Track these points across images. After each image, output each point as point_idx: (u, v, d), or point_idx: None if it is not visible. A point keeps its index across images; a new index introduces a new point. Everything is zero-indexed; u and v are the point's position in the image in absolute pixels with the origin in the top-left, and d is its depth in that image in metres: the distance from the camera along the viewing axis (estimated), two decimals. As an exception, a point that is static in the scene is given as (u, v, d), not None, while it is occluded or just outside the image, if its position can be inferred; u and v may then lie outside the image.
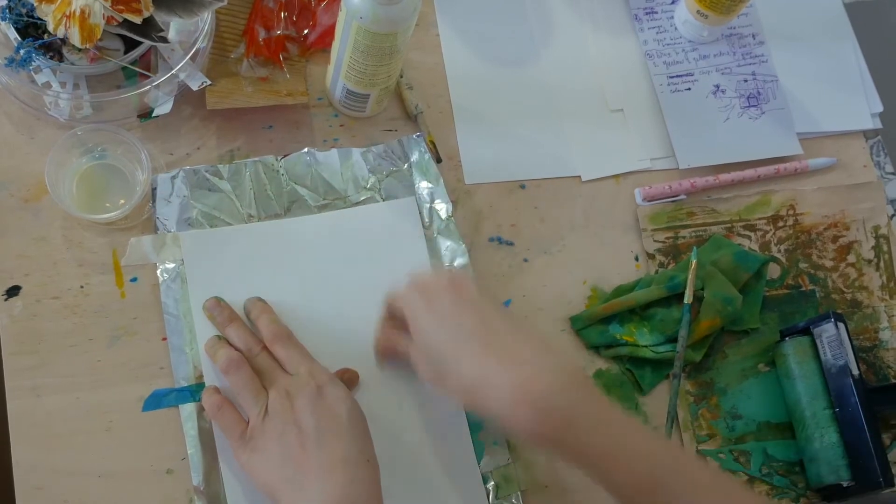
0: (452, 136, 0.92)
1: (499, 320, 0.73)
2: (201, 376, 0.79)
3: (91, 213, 0.82)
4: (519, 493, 0.80)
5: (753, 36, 1.00)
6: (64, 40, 0.82)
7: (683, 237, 0.92)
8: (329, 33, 0.90)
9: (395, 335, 0.79)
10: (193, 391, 0.79)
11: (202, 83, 0.85)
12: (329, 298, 0.84)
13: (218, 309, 0.80)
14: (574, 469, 0.70)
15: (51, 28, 0.80)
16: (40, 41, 0.82)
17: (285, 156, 0.87)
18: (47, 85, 0.84)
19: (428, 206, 0.87)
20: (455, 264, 0.86)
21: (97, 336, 0.80)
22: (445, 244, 0.87)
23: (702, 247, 0.91)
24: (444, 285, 0.75)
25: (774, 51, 1.00)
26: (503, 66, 0.96)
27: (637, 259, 0.91)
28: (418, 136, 0.89)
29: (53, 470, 0.76)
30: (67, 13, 0.79)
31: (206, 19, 0.85)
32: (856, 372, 0.83)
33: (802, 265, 0.93)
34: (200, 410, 0.78)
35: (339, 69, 0.85)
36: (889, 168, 0.98)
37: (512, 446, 0.82)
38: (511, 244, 0.89)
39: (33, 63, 0.82)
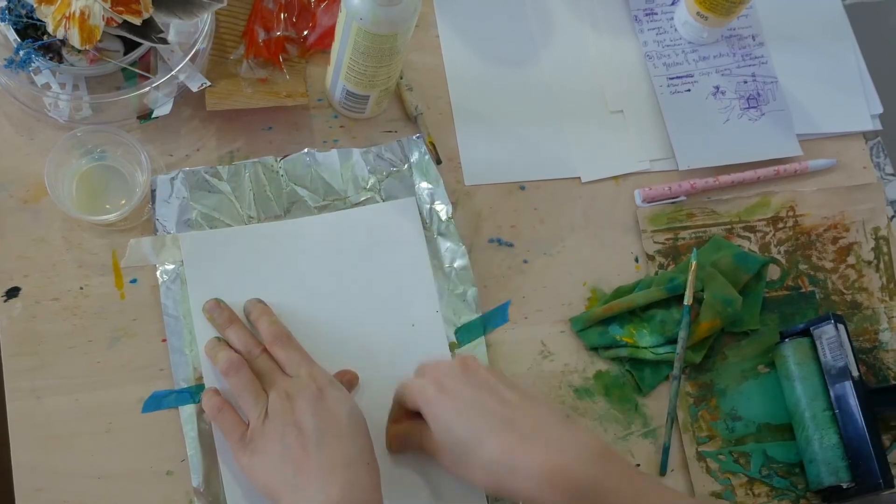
0: (452, 138, 0.92)
1: (514, 397, 0.73)
2: (201, 378, 0.79)
3: (91, 215, 0.82)
4: (519, 494, 0.80)
5: (753, 37, 1.00)
6: (63, 41, 0.82)
7: (683, 238, 0.92)
8: (329, 34, 0.90)
9: (408, 426, 0.77)
10: (193, 393, 0.79)
11: (202, 84, 0.85)
12: (329, 299, 0.84)
13: (218, 310, 0.80)
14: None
15: (50, 29, 0.80)
16: (40, 42, 0.82)
17: (285, 157, 0.87)
18: (47, 86, 0.84)
19: (428, 206, 0.87)
20: (455, 265, 0.86)
21: (97, 337, 0.80)
22: (445, 245, 0.87)
23: (702, 248, 0.91)
24: (454, 369, 0.75)
25: (774, 52, 1.00)
26: (503, 67, 0.96)
27: (637, 260, 0.91)
28: (418, 138, 0.89)
29: (53, 471, 0.76)
30: (67, 14, 0.79)
31: (205, 20, 0.85)
32: (856, 373, 0.83)
33: (802, 266, 0.93)
34: (200, 412, 0.78)
35: (338, 70, 0.85)
36: (889, 169, 0.98)
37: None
38: (511, 245, 0.89)
39: (33, 64, 0.82)
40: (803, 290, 0.92)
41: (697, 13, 0.96)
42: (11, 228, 0.82)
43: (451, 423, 0.72)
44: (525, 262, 0.89)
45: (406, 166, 0.89)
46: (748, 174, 0.94)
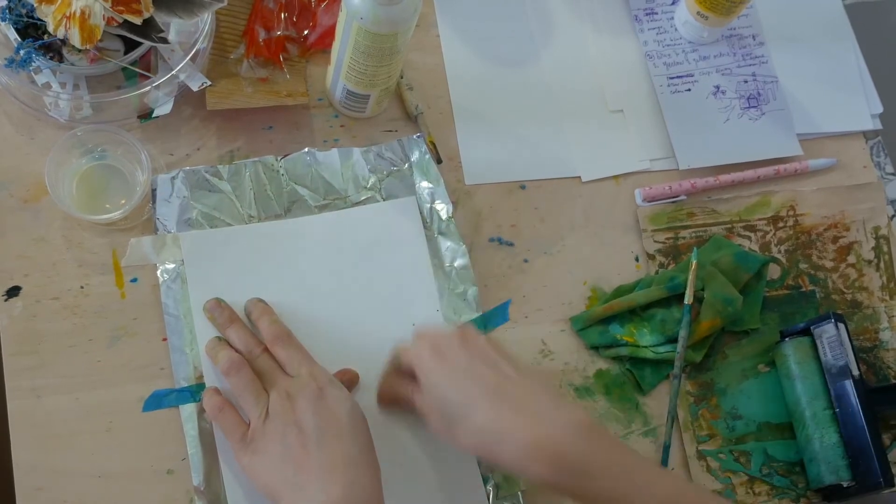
0: (452, 137, 0.92)
1: (510, 369, 0.73)
2: (201, 377, 0.79)
3: (91, 214, 0.82)
4: (519, 493, 0.80)
5: (753, 37, 1.00)
6: (64, 41, 0.82)
7: (683, 238, 0.92)
8: (329, 34, 0.90)
9: (400, 384, 0.78)
10: (194, 392, 0.79)
11: (202, 84, 0.85)
12: (330, 298, 0.84)
13: (218, 310, 0.80)
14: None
15: (51, 29, 0.80)
16: (40, 42, 0.82)
17: (285, 156, 0.87)
18: (47, 85, 0.84)
19: (428, 206, 0.87)
20: (455, 265, 0.86)
21: (97, 336, 0.80)
22: (446, 244, 0.87)
23: (702, 247, 0.91)
24: (453, 337, 0.75)
25: (774, 52, 1.00)
26: (503, 67, 0.96)
27: (637, 259, 0.91)
28: (418, 137, 0.89)
29: (53, 470, 0.76)
30: (67, 14, 0.79)
31: (206, 20, 0.85)
32: (856, 372, 0.84)
33: (802, 266, 0.93)
34: (201, 411, 0.78)
35: (339, 70, 0.85)
36: (889, 169, 0.98)
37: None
38: (511, 244, 0.89)
39: (33, 64, 0.82)
40: (804, 289, 0.92)
41: (698, 13, 0.96)
42: (12, 228, 0.82)
43: (444, 387, 0.72)
44: (525, 261, 0.89)
45: (406, 166, 0.89)
46: (748, 173, 0.94)
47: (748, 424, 0.86)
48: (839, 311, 0.90)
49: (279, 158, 0.87)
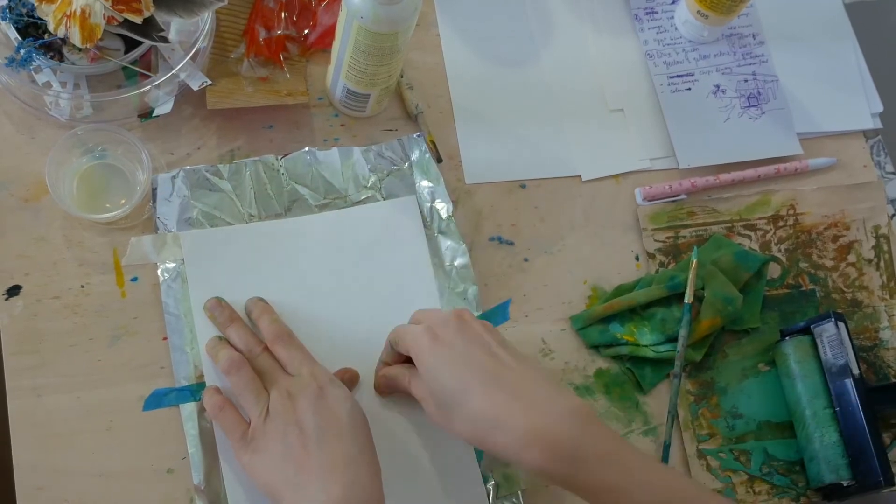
0: (453, 136, 0.92)
1: (506, 355, 0.73)
2: (202, 376, 0.79)
3: (91, 213, 0.82)
4: (519, 492, 0.80)
5: (754, 36, 1.00)
6: (64, 40, 0.82)
7: (684, 237, 0.92)
8: (329, 33, 0.90)
9: (397, 370, 0.78)
10: (194, 391, 0.79)
11: (202, 83, 0.85)
12: (330, 298, 0.84)
13: (219, 309, 0.80)
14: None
15: (51, 28, 0.80)
16: (41, 41, 0.82)
17: (286, 155, 0.87)
18: (48, 85, 0.84)
19: (428, 205, 0.88)
20: (455, 264, 0.86)
21: (98, 336, 0.80)
22: (446, 244, 0.87)
23: (702, 246, 0.91)
24: (450, 322, 0.74)
25: (774, 51, 1.00)
26: (503, 66, 0.96)
27: (637, 259, 0.91)
28: (419, 136, 0.89)
29: (54, 470, 0.76)
30: (68, 13, 0.79)
31: (206, 19, 0.85)
32: (856, 371, 0.84)
33: (803, 265, 0.93)
34: (201, 410, 0.78)
35: (339, 69, 0.85)
36: (889, 168, 0.98)
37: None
38: (511, 244, 0.89)
39: (34, 63, 0.82)
40: (804, 288, 0.92)
41: (698, 12, 0.96)
42: (12, 227, 0.82)
43: (441, 373, 0.72)
44: (526, 260, 0.89)
45: (407, 165, 0.89)
46: (749, 173, 0.94)
47: (748, 423, 0.86)
48: (839, 310, 0.90)
49: (279, 158, 0.87)
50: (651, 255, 0.91)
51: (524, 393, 0.71)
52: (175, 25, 0.87)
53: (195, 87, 0.85)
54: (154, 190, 0.84)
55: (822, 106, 0.99)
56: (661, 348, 0.86)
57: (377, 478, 0.72)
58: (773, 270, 0.92)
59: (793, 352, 0.86)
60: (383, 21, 0.78)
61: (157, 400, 0.79)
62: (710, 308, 0.86)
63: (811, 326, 0.86)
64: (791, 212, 0.94)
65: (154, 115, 0.86)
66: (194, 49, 0.85)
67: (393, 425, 0.80)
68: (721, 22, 0.96)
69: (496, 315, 0.86)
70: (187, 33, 0.87)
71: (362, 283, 0.85)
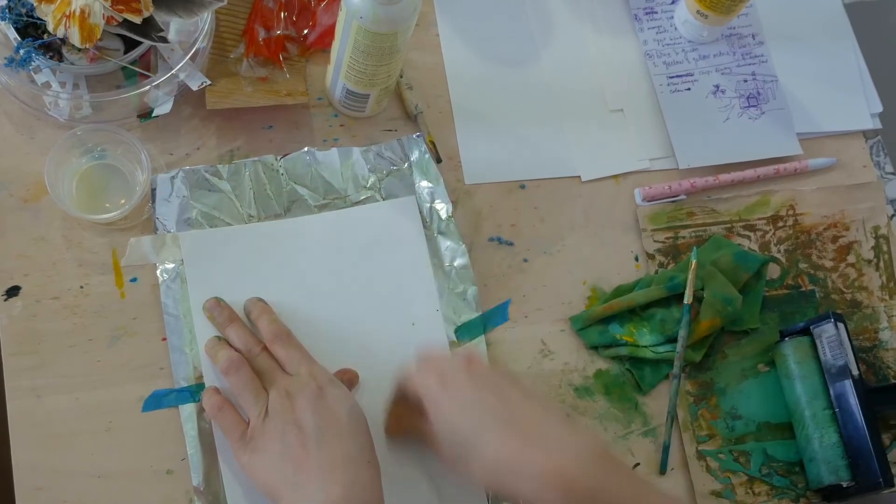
0: (452, 136, 0.92)
1: (517, 395, 0.73)
2: (201, 377, 0.79)
3: (91, 214, 0.82)
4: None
5: (753, 36, 1.00)
6: (64, 40, 0.82)
7: (683, 237, 0.92)
8: (329, 33, 0.90)
9: (407, 415, 0.77)
10: (193, 391, 0.79)
11: (202, 83, 0.85)
12: (329, 298, 0.84)
13: (218, 309, 0.80)
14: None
15: (50, 28, 0.80)
16: (40, 41, 0.82)
17: (285, 155, 0.87)
18: (47, 85, 0.84)
19: (428, 205, 0.87)
20: (455, 264, 0.86)
21: (97, 336, 0.80)
22: (445, 244, 0.87)
23: (702, 247, 0.91)
24: (459, 365, 0.74)
25: (774, 51, 1.00)
26: (503, 66, 0.96)
27: (637, 259, 0.91)
28: (418, 136, 0.89)
29: (53, 470, 0.76)
30: (67, 13, 0.79)
31: (205, 19, 0.85)
32: (855, 372, 0.84)
33: (802, 265, 0.93)
34: (200, 411, 0.78)
35: (338, 69, 0.85)
36: (889, 168, 0.98)
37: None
38: (511, 244, 0.89)
39: (33, 63, 0.82)
40: (803, 288, 0.92)
41: (697, 12, 0.96)
42: (11, 227, 0.82)
43: (453, 420, 0.72)
44: (525, 260, 0.89)
45: (406, 165, 0.89)
46: (748, 173, 0.94)
47: (748, 424, 0.86)
48: (839, 311, 0.90)
49: (279, 158, 0.87)
50: (650, 256, 0.91)
51: (539, 433, 0.70)
52: (174, 25, 0.87)
53: (194, 88, 0.85)
54: (153, 190, 0.84)
55: (821, 106, 0.99)
56: (661, 349, 0.86)
57: (377, 478, 0.72)
58: (773, 271, 0.92)
59: (792, 352, 0.86)
60: (383, 21, 0.78)
61: (156, 401, 0.79)
62: (709, 309, 0.86)
63: (811, 327, 0.86)
64: (790, 212, 0.94)
65: (153, 115, 0.86)
66: (194, 49, 0.85)
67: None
68: (721, 22, 0.96)
69: (495, 316, 0.86)
70: (187, 33, 0.87)
71: (362, 284, 0.84)
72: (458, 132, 0.92)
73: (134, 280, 0.82)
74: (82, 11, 0.79)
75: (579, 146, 0.94)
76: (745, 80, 0.98)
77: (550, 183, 0.92)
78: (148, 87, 0.83)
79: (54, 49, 0.83)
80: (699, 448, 0.85)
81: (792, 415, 0.86)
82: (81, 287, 0.81)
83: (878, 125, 0.99)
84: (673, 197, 0.92)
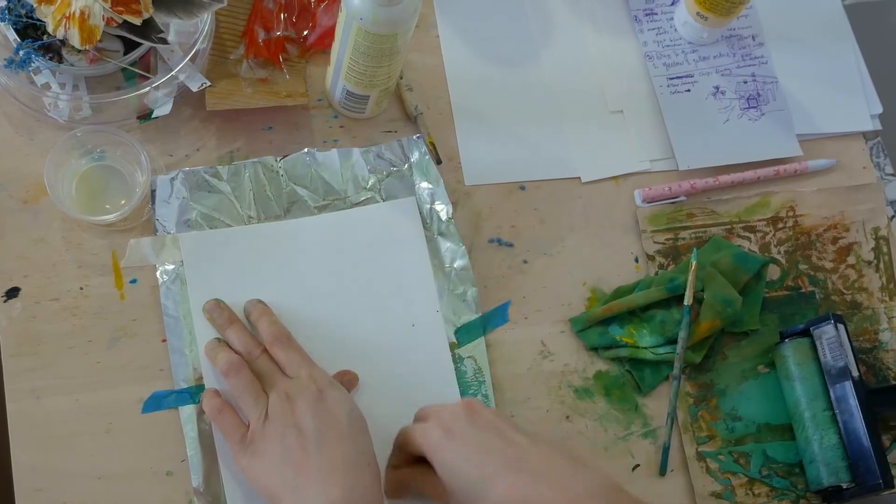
0: (452, 138, 0.92)
1: (521, 438, 0.71)
2: (201, 378, 0.79)
3: (90, 215, 0.82)
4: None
5: (753, 37, 1.00)
6: (63, 41, 0.82)
7: (683, 238, 0.92)
8: (329, 34, 0.90)
9: (409, 472, 0.76)
10: (193, 393, 0.79)
11: (202, 84, 0.85)
12: (329, 299, 0.84)
13: (218, 311, 0.80)
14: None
15: (50, 29, 0.80)
16: (40, 42, 0.82)
17: (285, 156, 0.87)
18: (47, 86, 0.84)
19: (428, 206, 0.87)
20: (455, 265, 0.86)
21: (97, 338, 0.80)
22: (445, 245, 0.87)
23: (702, 248, 0.91)
24: (459, 413, 0.73)
25: (774, 52, 1.00)
26: (503, 68, 0.96)
27: (637, 260, 0.91)
28: (418, 138, 0.89)
29: (53, 471, 0.76)
30: (67, 14, 0.79)
31: (205, 20, 0.85)
32: (855, 373, 0.84)
33: (802, 266, 0.93)
34: (200, 412, 0.78)
35: (338, 70, 0.85)
36: (889, 169, 0.98)
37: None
38: (511, 245, 0.89)
39: (33, 64, 0.82)
40: (803, 290, 0.92)
41: (697, 13, 0.96)
42: (11, 229, 0.82)
43: (459, 467, 0.70)
44: (525, 262, 0.89)
45: (406, 166, 0.89)
46: (748, 174, 0.94)
47: (748, 426, 0.86)
48: (839, 312, 0.90)
49: (279, 159, 0.87)
50: (650, 257, 0.91)
51: (548, 474, 0.69)
52: (174, 27, 0.87)
53: (194, 89, 0.85)
54: (153, 191, 0.84)
55: (821, 107, 0.99)
56: (661, 350, 0.86)
57: (377, 481, 0.72)
58: (773, 272, 0.92)
59: (792, 354, 0.86)
60: (383, 22, 0.78)
61: (156, 402, 0.79)
62: (709, 310, 0.86)
63: (811, 328, 0.86)
64: (790, 213, 0.94)
65: (153, 116, 0.85)
66: (193, 50, 0.84)
67: (393, 427, 0.80)
68: (720, 23, 0.96)
69: (495, 317, 0.86)
70: (186, 35, 0.87)
71: (362, 285, 0.84)
72: (458, 133, 0.92)
73: (134, 281, 0.82)
74: (82, 13, 0.79)
75: (579, 147, 0.94)
76: (745, 82, 0.98)
77: (550, 184, 0.92)
78: (148, 89, 0.83)
79: (54, 50, 0.83)
80: (699, 449, 0.85)
81: (792, 416, 0.86)
82: (81, 288, 0.81)
83: (878, 126, 0.99)
84: (673, 198, 0.92)
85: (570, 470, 0.70)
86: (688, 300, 0.86)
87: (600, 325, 0.87)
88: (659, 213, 0.92)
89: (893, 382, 0.90)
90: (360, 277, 0.85)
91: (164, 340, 0.81)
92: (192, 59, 0.85)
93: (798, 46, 1.01)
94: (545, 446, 0.71)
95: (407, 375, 0.82)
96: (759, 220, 0.94)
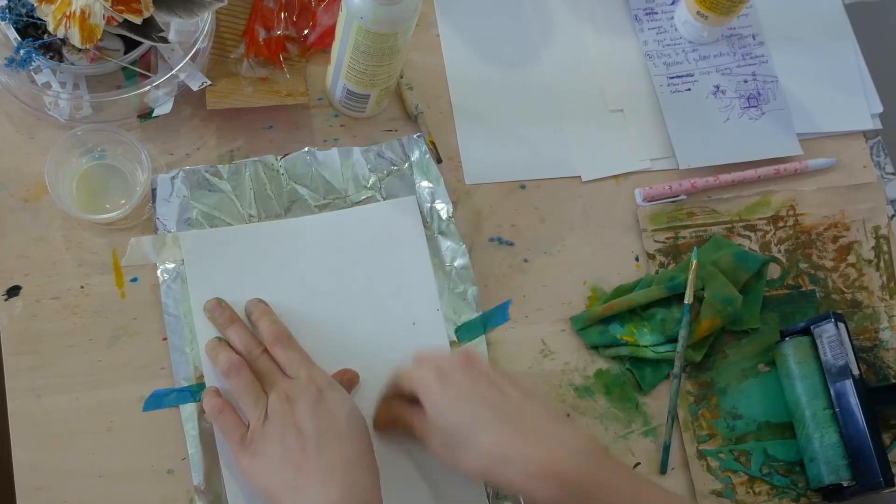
0: (452, 137, 0.92)
1: (513, 391, 0.73)
2: (202, 376, 0.79)
3: (91, 214, 0.82)
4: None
5: (753, 36, 1.00)
6: (64, 40, 0.82)
7: (684, 237, 0.92)
8: (329, 33, 0.90)
9: (399, 407, 0.77)
10: (194, 391, 0.79)
11: (202, 83, 0.85)
12: (330, 298, 0.84)
13: (219, 310, 0.80)
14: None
15: (51, 28, 0.80)
16: (40, 41, 0.82)
17: (285, 155, 0.87)
18: (47, 85, 0.84)
19: (428, 205, 0.87)
20: (455, 264, 0.86)
21: (97, 336, 0.80)
22: (446, 244, 0.87)
23: (702, 247, 0.91)
24: (456, 361, 0.74)
25: (774, 51, 1.00)
26: (503, 67, 0.96)
27: (637, 259, 0.91)
28: (418, 137, 0.89)
29: (53, 470, 0.76)
30: (67, 13, 0.79)
31: (206, 19, 0.85)
32: (856, 372, 0.84)
33: (802, 265, 0.93)
34: (201, 411, 0.78)
35: (339, 69, 0.85)
36: (889, 168, 0.98)
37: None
38: (511, 244, 0.89)
39: (33, 63, 0.82)
40: (804, 288, 0.92)
41: (697, 12, 0.96)
42: (12, 227, 0.82)
43: (449, 410, 0.72)
44: (525, 260, 0.89)
45: (406, 165, 0.89)
46: (748, 173, 0.94)
47: (748, 424, 0.86)
48: (839, 311, 0.90)
49: (279, 158, 0.87)
50: (651, 256, 0.91)
51: (533, 427, 0.71)
52: (175, 26, 0.87)
53: (195, 88, 0.85)
54: (154, 190, 0.84)
55: (821, 106, 0.99)
56: (661, 349, 0.86)
57: (376, 481, 0.72)
58: (773, 271, 0.92)
59: (793, 352, 0.86)
60: (383, 21, 0.78)
61: (157, 401, 0.79)
62: (709, 309, 0.86)
63: (811, 327, 0.86)
64: (791, 212, 0.94)
65: (153, 115, 0.86)
66: (194, 49, 0.85)
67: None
68: (721, 22, 0.96)
69: (496, 316, 0.86)
70: (187, 34, 0.87)
71: (362, 284, 0.84)
72: (458, 132, 0.92)
73: (134, 280, 0.82)
74: (82, 12, 0.79)
75: (579, 146, 0.94)
76: (746, 81, 0.98)
77: (551, 183, 0.92)
78: (148, 88, 0.83)
79: (54, 49, 0.83)
80: (700, 448, 0.85)
81: (792, 414, 0.86)
82: (82, 287, 0.81)
83: (879, 125, 0.99)
84: (673, 197, 0.92)
85: (555, 426, 0.72)
86: (688, 299, 0.86)
87: (601, 323, 0.87)
88: (659, 212, 0.92)
89: (894, 381, 0.90)
90: (360, 276, 0.85)
91: (164, 339, 0.81)
92: (193, 58, 0.85)
93: (798, 46, 1.01)
94: (538, 404, 0.73)
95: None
96: (760, 219, 0.94)
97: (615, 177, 0.93)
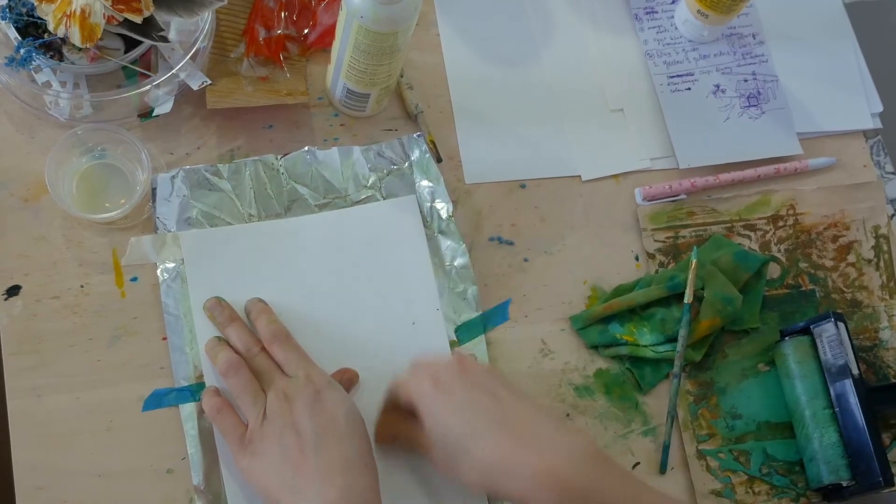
0: (453, 136, 0.92)
1: (510, 396, 0.73)
2: (201, 376, 0.79)
3: (91, 213, 0.82)
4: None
5: (754, 36, 1.00)
6: (64, 40, 0.82)
7: (683, 237, 0.92)
8: (329, 33, 0.90)
9: (398, 421, 0.77)
10: (193, 391, 0.79)
11: (202, 83, 0.85)
12: (330, 298, 0.84)
13: (218, 309, 0.80)
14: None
15: (51, 27, 0.80)
16: (41, 40, 0.82)
17: (285, 155, 0.87)
18: (47, 84, 0.84)
19: (428, 205, 0.87)
20: (455, 264, 0.86)
21: (97, 336, 0.80)
22: (446, 244, 0.87)
23: (702, 246, 0.91)
24: (452, 368, 0.74)
25: (774, 51, 1.00)
26: (503, 66, 0.96)
27: (637, 259, 0.91)
28: (419, 136, 0.89)
29: (53, 470, 0.76)
30: (68, 12, 0.79)
31: (206, 19, 0.85)
32: (856, 371, 0.84)
33: (802, 265, 0.93)
34: (201, 410, 0.78)
35: (339, 69, 0.85)
36: (889, 168, 0.98)
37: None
38: (511, 244, 0.89)
39: (33, 62, 0.82)
40: (803, 288, 0.92)
41: (698, 11, 0.96)
42: (12, 227, 0.82)
43: (446, 421, 0.72)
44: (525, 260, 0.89)
45: (407, 164, 0.89)
46: (748, 172, 0.94)
47: (748, 424, 0.87)
48: (839, 311, 0.90)
49: (279, 157, 0.87)
50: (651, 255, 0.91)
51: (531, 434, 0.70)
52: (175, 25, 0.87)
53: (195, 87, 0.85)
54: (154, 190, 0.84)
55: (821, 106, 0.99)
56: (661, 348, 0.86)
57: (374, 481, 0.72)
58: (773, 270, 0.92)
59: (792, 352, 0.86)
60: (383, 21, 0.78)
61: (156, 400, 0.79)
62: (709, 308, 0.86)
63: (811, 327, 0.86)
64: (791, 212, 0.94)
65: (154, 114, 0.86)
66: (194, 49, 0.85)
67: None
68: (721, 21, 0.96)
69: (496, 315, 0.86)
70: (187, 33, 0.87)
71: (362, 283, 0.85)
72: (458, 132, 0.92)
73: (134, 279, 0.82)
74: (83, 11, 0.79)
75: (579, 146, 0.94)
76: (746, 80, 0.98)
77: (551, 182, 0.92)
78: (148, 87, 0.83)
79: (55, 48, 0.83)
80: (699, 447, 0.85)
81: (792, 414, 0.86)
82: (82, 286, 0.81)
83: (879, 125, 0.99)
84: (673, 196, 0.92)
85: (552, 431, 0.71)
86: (688, 298, 0.86)
87: (600, 323, 0.87)
88: (659, 212, 0.92)
89: (893, 380, 0.90)
90: (360, 276, 0.85)
91: (164, 338, 0.81)
92: (193, 58, 0.85)
93: (798, 45, 1.01)
94: (532, 407, 0.73)
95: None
96: (760, 219, 0.94)
97: (615, 176, 0.93)
